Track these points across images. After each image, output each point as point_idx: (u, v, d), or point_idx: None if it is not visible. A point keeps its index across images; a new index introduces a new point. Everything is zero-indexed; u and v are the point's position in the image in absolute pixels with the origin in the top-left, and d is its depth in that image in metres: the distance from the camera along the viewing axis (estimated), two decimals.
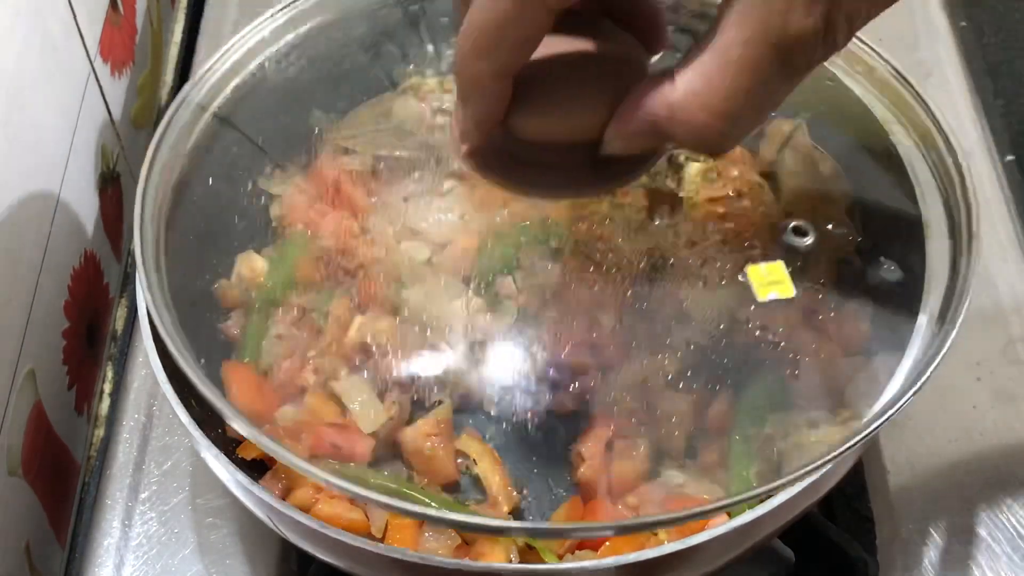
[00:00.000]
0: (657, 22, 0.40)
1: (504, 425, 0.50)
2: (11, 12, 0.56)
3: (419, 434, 0.50)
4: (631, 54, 0.39)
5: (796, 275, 0.49)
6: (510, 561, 0.47)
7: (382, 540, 0.47)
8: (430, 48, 0.58)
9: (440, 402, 0.50)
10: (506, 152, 0.41)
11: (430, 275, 0.51)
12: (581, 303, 0.50)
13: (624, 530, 0.42)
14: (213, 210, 0.54)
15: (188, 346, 0.44)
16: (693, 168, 0.52)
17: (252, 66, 0.55)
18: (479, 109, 0.38)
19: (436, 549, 0.47)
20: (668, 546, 0.42)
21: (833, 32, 0.33)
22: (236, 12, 0.82)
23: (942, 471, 0.60)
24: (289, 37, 0.56)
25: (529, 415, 0.49)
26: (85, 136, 0.66)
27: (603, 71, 0.38)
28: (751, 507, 0.42)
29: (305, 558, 0.52)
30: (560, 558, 0.47)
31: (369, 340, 0.50)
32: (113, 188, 0.71)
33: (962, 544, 0.58)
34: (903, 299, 0.48)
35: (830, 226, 0.51)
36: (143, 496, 0.59)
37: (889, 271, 0.50)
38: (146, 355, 0.47)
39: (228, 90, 0.54)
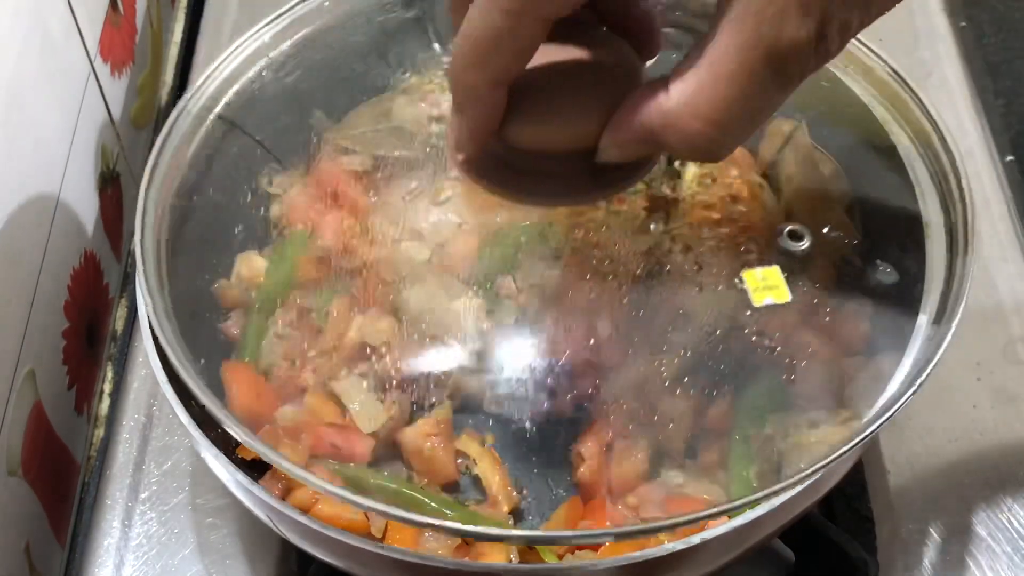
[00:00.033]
0: (651, 29, 0.41)
1: (504, 425, 0.50)
2: (11, 12, 0.56)
3: (419, 434, 0.50)
4: (625, 61, 0.39)
5: (796, 275, 0.49)
6: (510, 561, 0.47)
7: (382, 540, 0.47)
8: (436, 47, 0.58)
9: (440, 402, 0.50)
10: (502, 160, 0.41)
11: (430, 275, 0.51)
12: (582, 303, 0.50)
13: (624, 536, 0.42)
14: (213, 210, 0.54)
15: (187, 350, 0.45)
16: (690, 172, 0.52)
17: (254, 68, 0.55)
18: (475, 119, 0.38)
19: (436, 549, 0.47)
20: (668, 546, 0.42)
21: (826, 41, 0.33)
22: (236, 12, 0.82)
23: (942, 471, 0.60)
24: (290, 39, 0.56)
25: (529, 415, 0.49)
26: (85, 136, 0.66)
27: (598, 79, 0.38)
28: (751, 508, 0.42)
29: (305, 558, 0.52)
30: (560, 558, 0.47)
31: (369, 340, 0.50)
32: (113, 188, 0.71)
33: (962, 544, 0.57)
34: (903, 299, 0.48)
35: (830, 227, 0.51)
36: (143, 496, 0.59)
37: (889, 271, 0.50)
38: (146, 355, 0.47)
39: (230, 91, 0.54)
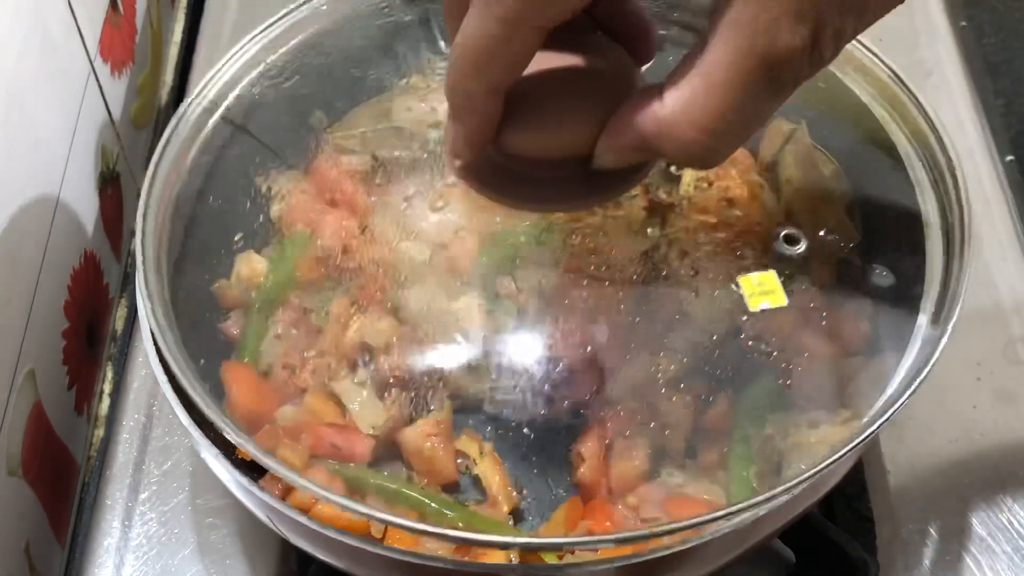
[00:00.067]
0: (647, 34, 0.41)
1: (504, 425, 0.50)
2: (11, 12, 0.56)
3: (419, 434, 0.50)
4: (621, 67, 0.39)
5: (796, 275, 0.49)
6: (510, 561, 0.47)
7: (382, 540, 0.47)
8: (442, 45, 0.58)
9: (440, 402, 0.50)
10: (499, 166, 0.41)
11: (430, 275, 0.51)
12: (582, 303, 0.50)
13: (624, 542, 0.42)
14: (213, 210, 0.54)
15: (187, 350, 0.45)
16: (689, 175, 0.52)
17: (255, 69, 0.55)
18: (471, 126, 0.38)
19: (436, 549, 0.47)
20: (668, 546, 0.42)
21: (820, 48, 0.33)
22: (236, 12, 0.82)
23: (942, 471, 0.60)
24: (291, 40, 0.56)
25: (529, 415, 0.49)
26: (85, 136, 0.66)
27: (593, 85, 0.38)
28: (751, 511, 0.42)
29: (305, 558, 0.52)
30: (560, 558, 0.47)
31: (369, 340, 0.50)
32: (113, 188, 0.71)
33: (962, 544, 0.58)
34: (903, 299, 0.48)
35: (829, 227, 0.51)
36: (143, 496, 0.59)
37: (889, 271, 0.50)
38: (146, 355, 0.47)
39: (231, 92, 0.54)
